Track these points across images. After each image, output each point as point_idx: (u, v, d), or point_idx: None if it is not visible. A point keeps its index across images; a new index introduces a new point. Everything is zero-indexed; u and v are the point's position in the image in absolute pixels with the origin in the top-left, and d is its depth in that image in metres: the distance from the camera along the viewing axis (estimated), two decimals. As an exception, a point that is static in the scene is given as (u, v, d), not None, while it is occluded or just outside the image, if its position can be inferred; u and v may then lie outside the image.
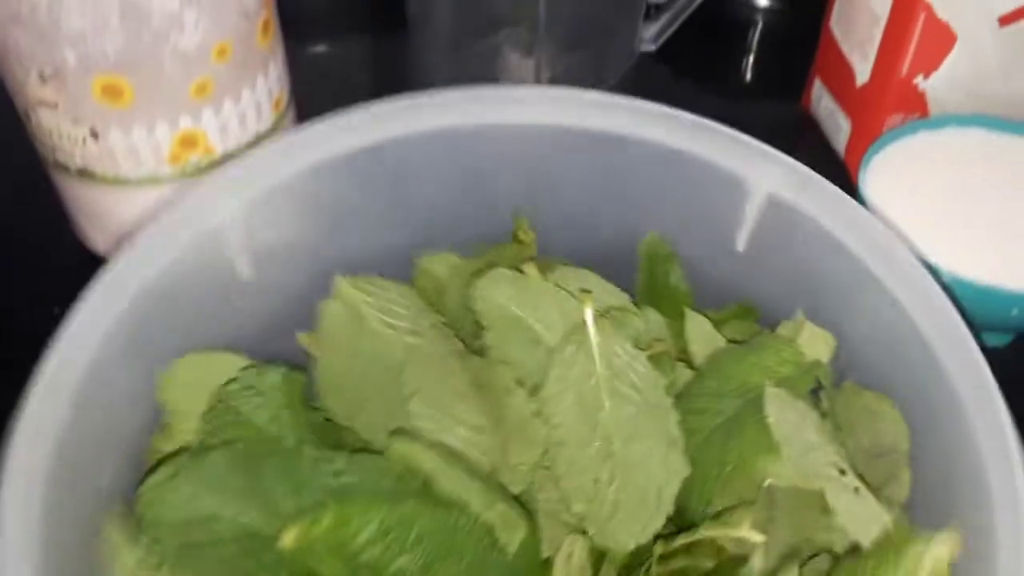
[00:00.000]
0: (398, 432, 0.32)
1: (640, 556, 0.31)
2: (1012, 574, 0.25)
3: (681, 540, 0.30)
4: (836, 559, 0.31)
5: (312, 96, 0.50)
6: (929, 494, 0.30)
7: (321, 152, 0.36)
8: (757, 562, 0.31)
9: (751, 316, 0.40)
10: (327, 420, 0.34)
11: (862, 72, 0.48)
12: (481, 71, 0.60)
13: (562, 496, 0.33)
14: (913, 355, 0.31)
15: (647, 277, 0.41)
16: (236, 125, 0.43)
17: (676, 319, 0.40)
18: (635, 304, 0.40)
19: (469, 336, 0.39)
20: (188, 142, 0.42)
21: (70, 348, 0.29)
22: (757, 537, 0.31)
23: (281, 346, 0.36)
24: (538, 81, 0.57)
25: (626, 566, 0.31)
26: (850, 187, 0.54)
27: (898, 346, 0.31)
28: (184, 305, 0.33)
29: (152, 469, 0.28)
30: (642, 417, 0.33)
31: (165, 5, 0.36)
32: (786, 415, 0.32)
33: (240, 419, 0.30)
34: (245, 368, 0.32)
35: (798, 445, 0.31)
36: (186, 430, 0.33)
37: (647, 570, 0.30)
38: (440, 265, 0.43)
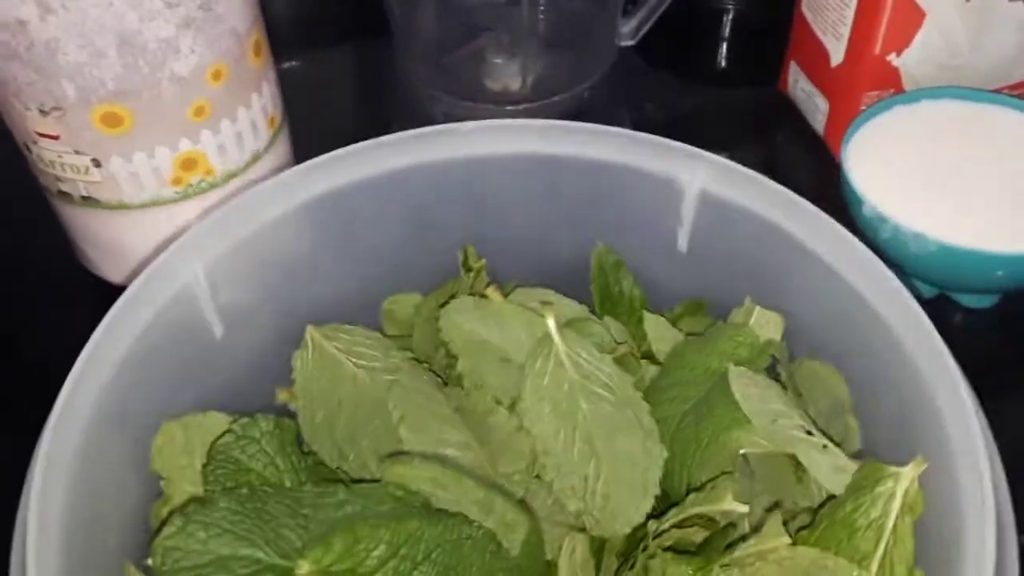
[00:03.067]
0: (392, 455, 0.33)
1: (636, 539, 0.33)
2: (976, 509, 0.27)
3: (672, 516, 0.32)
4: (813, 513, 0.33)
5: (299, 109, 0.52)
6: (891, 448, 0.33)
7: (272, 209, 0.37)
8: (743, 527, 0.33)
9: (701, 310, 0.42)
10: (319, 464, 0.35)
11: (836, 53, 0.49)
12: (466, 75, 0.62)
13: (555, 499, 0.35)
14: (856, 318, 0.33)
15: (601, 288, 0.43)
16: (234, 145, 0.45)
17: (633, 324, 0.43)
18: (594, 314, 0.42)
19: (441, 370, 0.41)
20: (188, 164, 0.44)
21: (63, 427, 0.30)
22: (741, 508, 0.33)
23: (256, 401, 0.38)
24: (522, 82, 0.59)
25: (625, 551, 0.33)
26: (831, 165, 0.55)
27: (841, 311, 0.34)
28: (163, 369, 0.34)
29: (162, 525, 0.28)
30: (617, 413, 0.35)
31: (160, 32, 0.37)
32: (750, 390, 0.34)
33: (239, 467, 0.31)
34: (234, 421, 0.33)
35: (766, 415, 0.33)
36: (183, 492, 0.33)
37: (644, 549, 0.31)
38: (403, 306, 0.45)
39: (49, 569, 0.27)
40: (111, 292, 0.33)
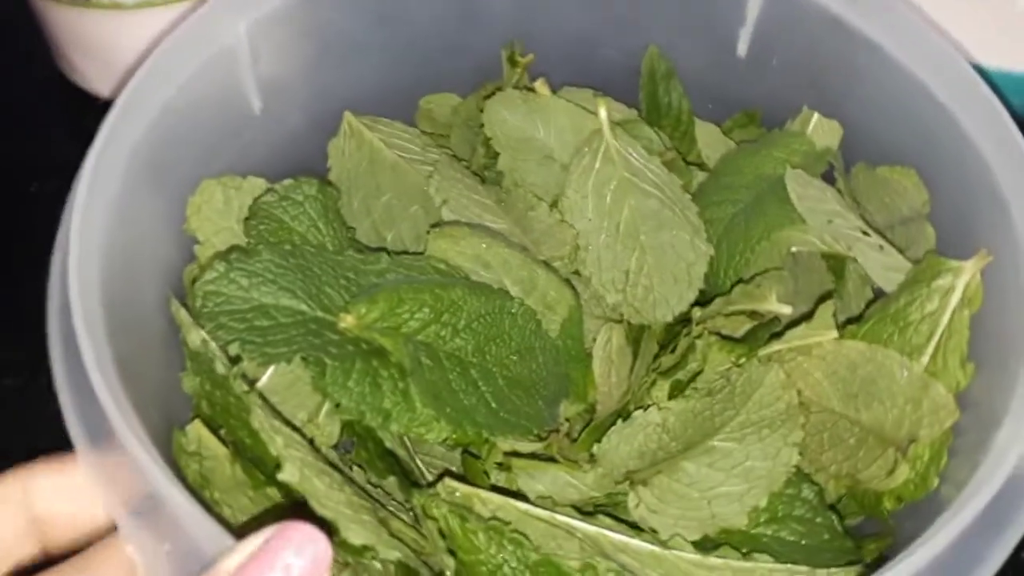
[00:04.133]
0: (437, 226, 0.32)
1: (676, 331, 0.32)
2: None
3: (716, 304, 0.31)
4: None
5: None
6: (952, 247, 0.32)
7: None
8: (785, 320, 0.32)
9: (754, 122, 0.41)
10: (357, 241, 0.34)
11: None
12: None
13: (593, 293, 0.34)
14: (926, 116, 0.32)
15: (649, 97, 0.41)
16: None
17: (679, 137, 0.41)
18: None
19: (479, 170, 0.39)
20: None
21: (100, 171, 0.29)
22: (784, 309, 0.32)
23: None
24: None
25: (665, 341, 0.32)
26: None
27: (910, 111, 0.32)
28: (200, 131, 0.33)
29: (202, 270, 0.28)
30: (665, 211, 0.34)
31: None
32: (806, 191, 0.33)
33: (281, 226, 0.31)
34: (279, 183, 0.32)
35: (821, 215, 0.32)
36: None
37: (687, 333, 0.31)
38: (441, 105, 0.43)
39: (93, 315, 0.26)
40: (98, 106, 0.30)
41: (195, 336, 0.26)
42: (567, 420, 0.32)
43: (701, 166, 0.38)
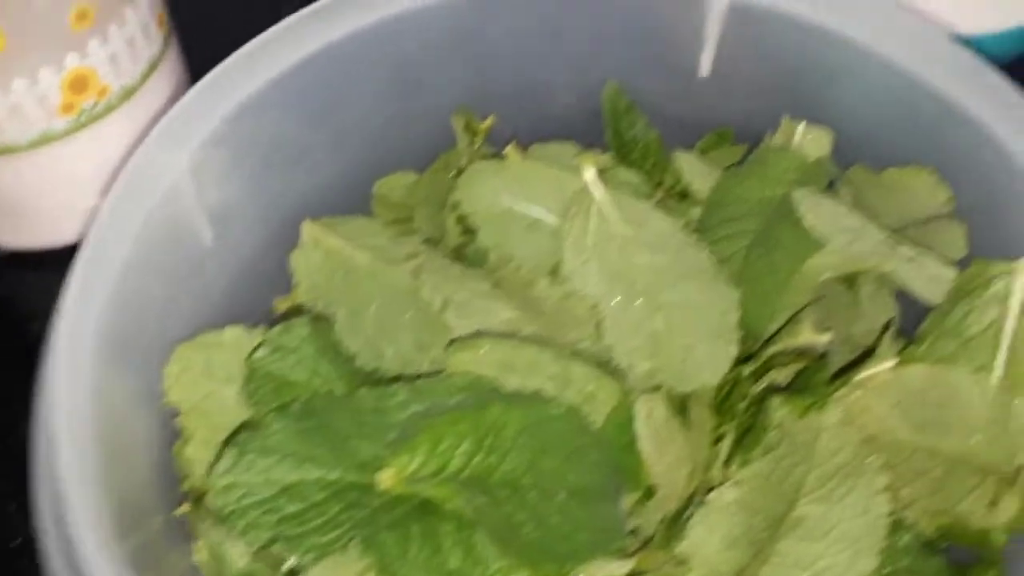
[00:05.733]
0: (454, 343, 0.29)
1: (723, 389, 0.30)
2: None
3: (765, 356, 0.29)
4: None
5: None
6: (979, 242, 0.30)
7: (246, 86, 0.32)
8: (834, 355, 0.30)
9: (726, 141, 0.39)
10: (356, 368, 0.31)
11: None
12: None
13: (621, 363, 0.31)
14: (925, 109, 0.30)
15: (615, 135, 0.39)
16: (126, 53, 0.38)
17: (648, 169, 0.39)
18: (611, 164, 0.38)
19: (454, 250, 0.36)
20: (79, 84, 0.37)
21: (67, 358, 0.25)
22: (822, 337, 0.30)
23: (252, 316, 0.33)
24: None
25: (715, 403, 0.30)
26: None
27: (906, 107, 0.31)
28: (158, 284, 0.29)
29: (216, 460, 0.24)
30: (676, 261, 0.32)
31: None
32: (820, 211, 0.31)
33: (282, 382, 0.27)
34: (265, 333, 0.29)
35: (842, 235, 0.31)
36: (210, 424, 0.29)
37: (742, 395, 0.28)
38: (397, 187, 0.40)
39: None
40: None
41: (238, 555, 0.23)
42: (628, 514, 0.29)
43: (681, 197, 0.36)
